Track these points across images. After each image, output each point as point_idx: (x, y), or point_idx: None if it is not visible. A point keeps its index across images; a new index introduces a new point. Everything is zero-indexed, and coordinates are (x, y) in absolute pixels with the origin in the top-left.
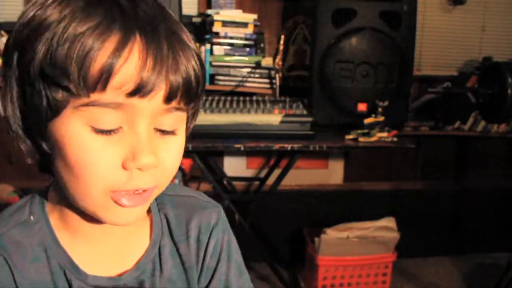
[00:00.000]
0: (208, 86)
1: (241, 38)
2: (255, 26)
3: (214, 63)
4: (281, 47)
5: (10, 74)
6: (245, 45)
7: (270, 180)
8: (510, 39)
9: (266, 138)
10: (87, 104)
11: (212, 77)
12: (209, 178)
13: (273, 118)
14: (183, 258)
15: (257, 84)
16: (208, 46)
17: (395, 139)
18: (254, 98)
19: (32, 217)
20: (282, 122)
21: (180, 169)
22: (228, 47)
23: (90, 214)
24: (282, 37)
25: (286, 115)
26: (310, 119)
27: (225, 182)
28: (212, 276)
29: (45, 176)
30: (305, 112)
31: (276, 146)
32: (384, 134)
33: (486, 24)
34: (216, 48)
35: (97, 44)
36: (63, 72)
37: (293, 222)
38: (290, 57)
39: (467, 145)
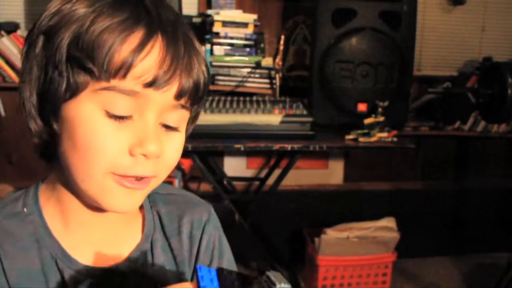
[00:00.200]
0: None
1: (241, 38)
2: (255, 26)
3: (214, 63)
4: (281, 47)
5: (32, 56)
6: (245, 45)
7: (270, 180)
8: (510, 39)
9: (266, 138)
10: (105, 88)
11: (212, 77)
12: (209, 178)
13: (273, 118)
14: (175, 252)
15: (257, 84)
16: (208, 46)
17: (395, 139)
18: (254, 98)
19: (25, 209)
20: (282, 122)
21: (180, 169)
22: (228, 47)
23: (90, 200)
24: (282, 37)
25: (286, 115)
26: (310, 119)
27: (225, 182)
28: None
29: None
30: (305, 112)
31: (276, 146)
32: (384, 134)
33: (486, 24)
34: (216, 48)
35: (123, 36)
36: (89, 56)
37: (293, 222)
38: (290, 57)
39: (467, 145)
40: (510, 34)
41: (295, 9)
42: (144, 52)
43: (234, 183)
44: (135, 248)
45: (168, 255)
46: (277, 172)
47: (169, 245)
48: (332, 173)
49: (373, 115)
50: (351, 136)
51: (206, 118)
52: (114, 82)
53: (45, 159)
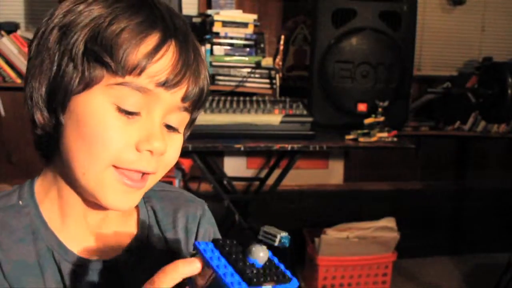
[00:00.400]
0: None
1: (241, 38)
2: (255, 26)
3: (214, 63)
4: (281, 47)
5: (44, 50)
6: (245, 45)
7: (270, 180)
8: (509, 39)
9: (266, 138)
10: (120, 84)
11: (212, 77)
12: (209, 178)
13: (273, 118)
14: (171, 245)
15: (257, 84)
16: (208, 46)
17: (395, 139)
18: (254, 98)
19: (20, 202)
20: (282, 122)
21: (180, 169)
22: (228, 47)
23: (88, 195)
24: (282, 37)
25: (286, 115)
26: (310, 119)
27: (225, 182)
28: None
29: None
30: (305, 112)
31: (276, 146)
32: (384, 134)
33: (486, 24)
34: (216, 48)
35: (141, 37)
36: (107, 51)
37: (293, 222)
38: (290, 57)
39: (467, 145)
40: (510, 34)
41: (295, 9)
42: (159, 54)
43: (234, 183)
44: (131, 241)
45: (164, 248)
46: (277, 172)
47: (165, 238)
48: (332, 173)
49: (373, 115)
50: (351, 136)
51: (206, 118)
52: (129, 79)
53: (44, 152)
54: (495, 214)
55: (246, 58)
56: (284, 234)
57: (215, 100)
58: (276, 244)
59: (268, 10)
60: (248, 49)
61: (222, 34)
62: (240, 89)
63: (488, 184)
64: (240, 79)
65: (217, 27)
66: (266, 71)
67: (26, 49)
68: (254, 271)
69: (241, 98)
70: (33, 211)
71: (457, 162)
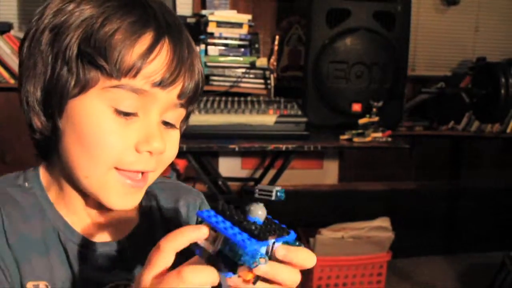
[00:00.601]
0: None
1: (235, 39)
2: (250, 26)
3: (208, 64)
4: (276, 48)
5: (36, 52)
6: (239, 46)
7: (265, 181)
8: (503, 39)
9: (260, 139)
10: (116, 86)
11: (206, 77)
12: (204, 179)
13: (267, 119)
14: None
15: (251, 84)
16: (202, 46)
17: (389, 139)
18: (249, 98)
19: (27, 184)
20: (276, 122)
21: (175, 169)
22: (223, 48)
23: (91, 196)
24: (277, 37)
25: (281, 116)
26: (304, 119)
27: (220, 182)
28: None
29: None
30: (299, 112)
31: (271, 146)
32: (379, 134)
33: (479, 25)
34: (210, 49)
35: (134, 38)
36: (101, 53)
37: (287, 222)
38: (285, 57)
39: (461, 145)
40: (503, 35)
41: (290, 9)
42: (153, 54)
43: (229, 183)
44: (134, 227)
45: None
46: (272, 173)
47: (167, 225)
48: (327, 173)
49: (368, 115)
50: (345, 136)
51: (201, 119)
52: (124, 81)
53: (43, 156)
54: (489, 214)
55: (241, 59)
56: (278, 187)
57: (209, 100)
58: (273, 198)
59: (262, 10)
60: (242, 50)
61: (216, 34)
62: (234, 90)
63: (482, 184)
64: (234, 79)
65: (211, 28)
66: (261, 72)
67: None
68: (258, 228)
69: (236, 99)
70: (39, 193)
71: (451, 162)
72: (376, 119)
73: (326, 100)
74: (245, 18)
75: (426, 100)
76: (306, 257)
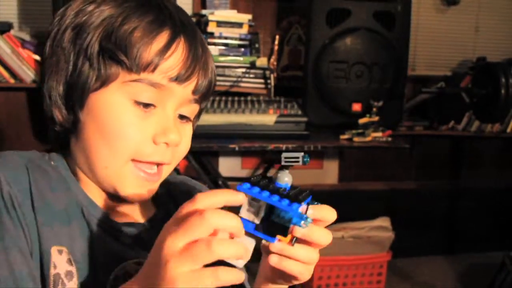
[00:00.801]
0: None
1: (235, 38)
2: (250, 26)
3: None
4: (276, 47)
5: (59, 50)
6: (239, 45)
7: None
8: (503, 39)
9: (260, 138)
10: (135, 80)
11: None
12: (204, 179)
13: (267, 118)
14: None
15: (251, 84)
16: None
17: (389, 139)
18: (249, 98)
19: (52, 162)
20: (276, 122)
21: (175, 169)
22: (223, 47)
23: (108, 187)
24: (277, 37)
25: (281, 115)
26: (304, 119)
27: (220, 182)
28: None
29: None
30: (299, 112)
31: (271, 146)
32: (379, 134)
33: (480, 25)
34: (210, 48)
35: (152, 35)
36: (122, 49)
37: None
38: (285, 57)
39: (461, 145)
40: (503, 34)
41: (290, 9)
42: (170, 51)
43: (229, 183)
44: (152, 215)
45: None
46: (271, 173)
47: None
48: (327, 173)
49: (368, 115)
50: (345, 136)
51: (201, 118)
52: (143, 75)
53: (58, 148)
54: (489, 214)
55: (241, 58)
56: (302, 153)
57: (209, 100)
58: (301, 163)
59: (262, 10)
60: (242, 49)
61: (216, 34)
62: (234, 89)
63: (482, 184)
64: (234, 79)
65: (211, 27)
66: (261, 71)
67: (19, 49)
68: (293, 193)
69: (236, 98)
70: (64, 172)
71: (452, 162)
72: (376, 119)
73: (326, 100)
74: (245, 18)
75: (426, 100)
76: (328, 213)
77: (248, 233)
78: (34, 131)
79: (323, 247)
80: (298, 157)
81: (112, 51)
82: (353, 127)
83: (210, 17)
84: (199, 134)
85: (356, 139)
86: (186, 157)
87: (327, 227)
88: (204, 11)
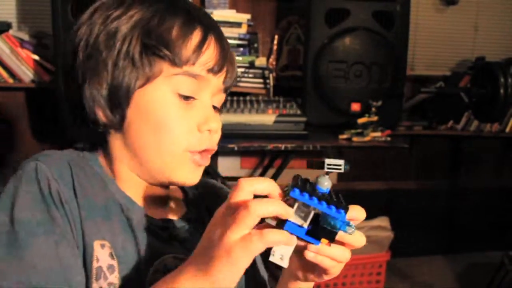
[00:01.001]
0: None
1: (234, 38)
2: (249, 26)
3: None
4: (275, 47)
5: (95, 55)
6: (238, 45)
7: None
8: (502, 39)
9: (260, 138)
10: (178, 74)
11: None
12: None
13: (267, 118)
14: None
15: (251, 84)
16: None
17: (388, 138)
18: (248, 98)
19: (89, 162)
20: (275, 122)
21: None
22: None
23: (159, 174)
24: (276, 37)
25: (280, 115)
26: (303, 119)
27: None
28: None
29: None
30: (298, 112)
31: (270, 146)
32: (378, 134)
33: (479, 24)
34: None
35: (189, 32)
36: (165, 45)
37: None
38: (284, 57)
39: (460, 144)
40: (502, 34)
41: (289, 9)
42: (205, 45)
43: (229, 183)
44: (185, 212)
45: None
46: (271, 172)
47: (210, 213)
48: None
49: (367, 115)
50: (344, 136)
51: None
52: (186, 68)
53: (92, 148)
54: (488, 213)
55: (240, 58)
56: (343, 161)
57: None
58: (342, 170)
59: (261, 10)
60: (241, 49)
61: None
62: (233, 89)
63: (481, 183)
64: None
65: None
66: (260, 71)
67: (18, 49)
68: (337, 200)
69: (235, 98)
70: (99, 170)
71: (451, 162)
72: (375, 118)
73: (325, 99)
74: (244, 17)
75: (425, 100)
76: (361, 213)
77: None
78: (33, 131)
79: (356, 248)
80: (340, 164)
81: (155, 47)
82: (352, 127)
83: None
84: None
85: (355, 139)
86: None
87: None
88: None
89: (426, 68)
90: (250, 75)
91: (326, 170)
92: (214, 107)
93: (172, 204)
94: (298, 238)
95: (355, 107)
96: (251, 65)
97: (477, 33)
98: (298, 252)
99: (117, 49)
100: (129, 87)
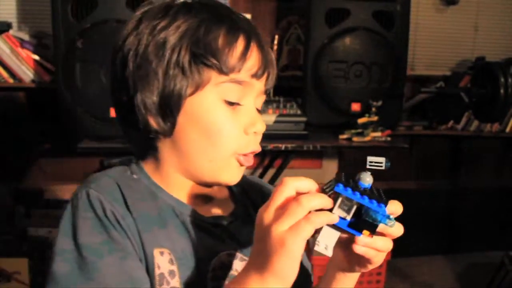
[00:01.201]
0: None
1: None
2: None
3: None
4: (275, 47)
5: (145, 64)
6: None
7: (264, 180)
8: (502, 39)
9: None
10: (226, 81)
11: None
12: None
13: (267, 118)
14: None
15: None
16: None
17: (388, 138)
18: None
19: (135, 175)
20: (276, 122)
21: None
22: None
23: (207, 176)
24: (276, 37)
25: (280, 115)
26: (304, 119)
27: None
28: None
29: None
30: (299, 112)
31: (270, 146)
32: (378, 134)
33: (479, 24)
34: None
35: (234, 40)
36: (213, 55)
37: None
38: (284, 57)
39: (461, 144)
40: (503, 34)
41: (289, 9)
42: (250, 52)
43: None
44: (233, 209)
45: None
46: (271, 172)
47: (255, 209)
48: (326, 173)
49: (367, 115)
50: (344, 136)
51: None
52: (232, 75)
53: (144, 153)
54: (488, 213)
55: None
56: (384, 158)
57: None
58: (384, 167)
59: (261, 10)
60: None
61: None
62: None
63: (481, 183)
64: None
65: None
66: None
67: (18, 49)
68: (379, 195)
69: None
70: (147, 181)
71: (451, 162)
72: (375, 118)
73: (325, 99)
74: None
75: (425, 100)
76: (399, 207)
77: (335, 227)
78: (32, 131)
79: (396, 237)
80: (381, 162)
81: (204, 56)
82: (352, 127)
83: None
84: None
85: (355, 138)
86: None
87: None
88: None
89: (426, 68)
90: None
91: (368, 166)
92: (257, 110)
93: (220, 202)
94: (341, 230)
95: (355, 107)
96: None
97: (477, 33)
98: (343, 245)
99: (167, 59)
100: (180, 95)
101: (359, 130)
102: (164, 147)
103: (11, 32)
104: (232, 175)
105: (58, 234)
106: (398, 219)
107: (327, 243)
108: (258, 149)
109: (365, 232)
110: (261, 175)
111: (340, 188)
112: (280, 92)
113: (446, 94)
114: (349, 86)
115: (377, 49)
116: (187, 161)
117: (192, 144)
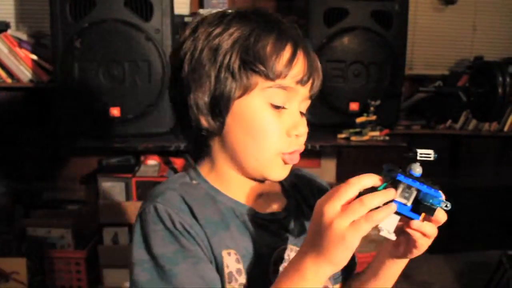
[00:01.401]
0: None
1: None
2: None
3: None
4: None
5: (199, 67)
6: None
7: None
8: (501, 38)
9: None
10: (271, 86)
11: None
12: None
13: None
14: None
15: None
16: None
17: (387, 138)
18: None
19: (194, 181)
20: None
21: (173, 168)
22: None
23: (255, 173)
24: None
25: None
26: None
27: None
28: None
29: None
30: None
31: None
32: (376, 133)
33: (477, 24)
34: None
35: (281, 48)
36: (261, 62)
37: None
38: None
39: (459, 143)
40: (501, 34)
41: (288, 8)
42: (296, 59)
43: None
44: (286, 203)
45: (310, 213)
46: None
47: (306, 203)
48: (325, 172)
49: (365, 114)
50: (343, 135)
51: None
52: (278, 81)
53: (199, 153)
54: (487, 213)
55: None
56: (432, 150)
57: None
58: (432, 158)
59: None
60: None
61: None
62: None
63: (480, 183)
64: None
65: None
66: None
67: (16, 49)
68: (432, 183)
69: None
70: (206, 186)
71: (449, 161)
72: (373, 118)
73: (323, 99)
74: None
75: (424, 99)
76: (442, 195)
77: (396, 213)
78: (31, 131)
79: (440, 224)
80: (430, 154)
81: (252, 63)
82: (351, 126)
83: None
84: None
85: (353, 138)
86: (184, 156)
87: None
88: (201, 11)
89: (424, 68)
90: None
91: (418, 158)
92: (301, 113)
93: (273, 197)
94: (401, 215)
95: (354, 106)
96: None
97: (475, 33)
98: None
99: (219, 63)
100: (229, 97)
101: (358, 130)
102: (215, 145)
103: (9, 31)
104: (278, 172)
105: (132, 247)
106: None
107: (388, 228)
108: (301, 148)
109: (423, 215)
110: None
111: (401, 177)
112: None
113: (444, 94)
114: (347, 86)
115: (375, 48)
116: (235, 159)
117: (239, 143)
